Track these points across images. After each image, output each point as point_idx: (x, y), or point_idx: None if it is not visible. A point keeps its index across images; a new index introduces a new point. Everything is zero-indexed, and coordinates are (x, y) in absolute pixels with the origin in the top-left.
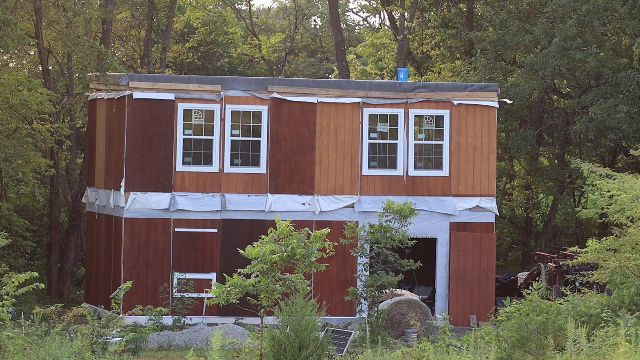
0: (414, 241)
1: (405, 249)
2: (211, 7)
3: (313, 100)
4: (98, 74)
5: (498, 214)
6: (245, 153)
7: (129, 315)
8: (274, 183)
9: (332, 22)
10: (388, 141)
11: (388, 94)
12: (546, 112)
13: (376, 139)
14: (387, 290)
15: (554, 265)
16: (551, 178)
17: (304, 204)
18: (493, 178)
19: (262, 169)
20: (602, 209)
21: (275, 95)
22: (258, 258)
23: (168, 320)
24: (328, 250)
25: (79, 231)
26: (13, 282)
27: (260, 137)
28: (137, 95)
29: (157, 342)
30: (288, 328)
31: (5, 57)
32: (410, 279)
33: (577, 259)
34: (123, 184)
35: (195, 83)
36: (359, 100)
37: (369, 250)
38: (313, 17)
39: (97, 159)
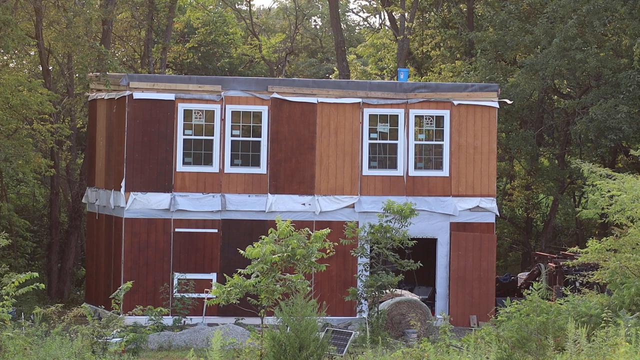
0: (414, 241)
1: (405, 249)
2: (211, 7)
3: (313, 100)
4: (98, 74)
5: (498, 214)
6: (245, 153)
7: (129, 315)
8: (274, 183)
9: (332, 22)
10: (388, 141)
11: (388, 94)
12: (546, 112)
13: (376, 139)
14: (387, 290)
15: (554, 265)
16: (551, 178)
17: (304, 204)
18: (493, 178)
19: (262, 169)
20: (602, 209)
21: (275, 95)
22: (258, 258)
23: (168, 320)
24: (328, 250)
25: (79, 231)
26: (13, 282)
27: (260, 137)
28: (137, 95)
29: (157, 342)
30: (288, 328)
31: (5, 57)
32: (410, 279)
33: (577, 259)
34: (123, 184)
35: (195, 83)
36: (359, 100)
37: (369, 250)
38: (313, 17)
39: (97, 159)
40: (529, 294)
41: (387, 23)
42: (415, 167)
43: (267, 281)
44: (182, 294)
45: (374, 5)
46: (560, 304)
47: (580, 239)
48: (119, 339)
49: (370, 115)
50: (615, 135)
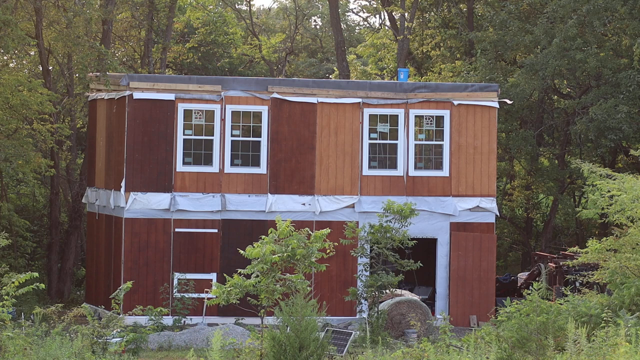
0: (414, 241)
1: (405, 249)
2: (211, 7)
3: (313, 100)
4: (98, 74)
5: (498, 214)
6: (245, 153)
7: (129, 315)
8: (274, 183)
9: (332, 22)
10: (388, 141)
11: (388, 94)
12: (546, 112)
13: (376, 139)
14: (387, 290)
15: (554, 265)
16: (551, 178)
17: (304, 204)
18: (493, 178)
19: (262, 169)
20: (602, 209)
21: (275, 95)
22: (258, 258)
23: (168, 320)
24: (328, 250)
25: (79, 231)
26: (13, 282)
27: (260, 137)
28: (137, 95)
29: (157, 342)
30: (288, 328)
31: (5, 57)
32: (410, 279)
33: (577, 259)
34: (123, 184)
35: (195, 83)
36: (359, 100)
37: (369, 250)
38: (313, 17)
39: (97, 159)
40: (529, 294)
41: (387, 23)
42: (415, 167)
43: (267, 281)
44: (182, 294)
45: (374, 5)
46: (560, 304)
47: (580, 239)
48: (119, 339)
49: (370, 115)
50: (615, 135)
